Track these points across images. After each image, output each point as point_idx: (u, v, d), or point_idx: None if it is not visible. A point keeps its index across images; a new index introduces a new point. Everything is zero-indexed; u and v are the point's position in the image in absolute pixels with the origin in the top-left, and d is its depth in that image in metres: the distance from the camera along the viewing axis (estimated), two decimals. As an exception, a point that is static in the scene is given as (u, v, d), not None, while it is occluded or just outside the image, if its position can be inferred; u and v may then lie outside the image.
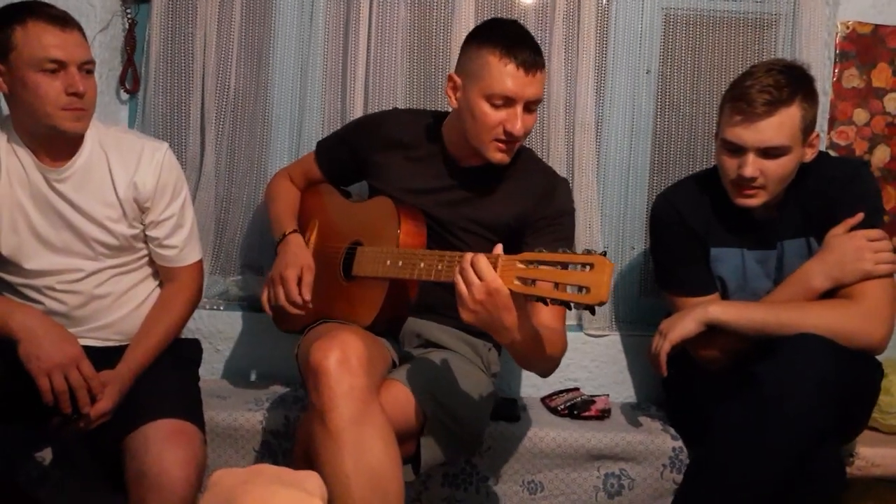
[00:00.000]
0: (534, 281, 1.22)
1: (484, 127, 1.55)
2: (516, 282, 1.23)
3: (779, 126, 1.51)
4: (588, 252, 1.16)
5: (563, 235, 1.62)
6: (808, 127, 1.56)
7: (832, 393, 1.40)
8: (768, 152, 1.53)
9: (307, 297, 1.62)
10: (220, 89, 2.08)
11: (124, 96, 2.13)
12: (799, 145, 1.55)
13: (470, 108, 1.56)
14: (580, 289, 1.16)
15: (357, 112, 2.04)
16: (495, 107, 1.54)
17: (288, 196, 1.86)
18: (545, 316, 1.50)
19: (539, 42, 1.53)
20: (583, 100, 2.04)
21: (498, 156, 1.58)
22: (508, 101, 1.53)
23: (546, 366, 1.53)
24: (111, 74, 2.09)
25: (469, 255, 1.27)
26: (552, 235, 1.61)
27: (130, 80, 2.11)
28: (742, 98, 1.53)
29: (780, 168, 1.54)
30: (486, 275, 1.24)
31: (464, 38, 1.63)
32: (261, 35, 2.10)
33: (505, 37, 1.54)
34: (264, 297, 1.69)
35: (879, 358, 1.59)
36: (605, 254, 1.16)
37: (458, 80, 1.59)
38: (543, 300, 1.20)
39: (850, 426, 1.59)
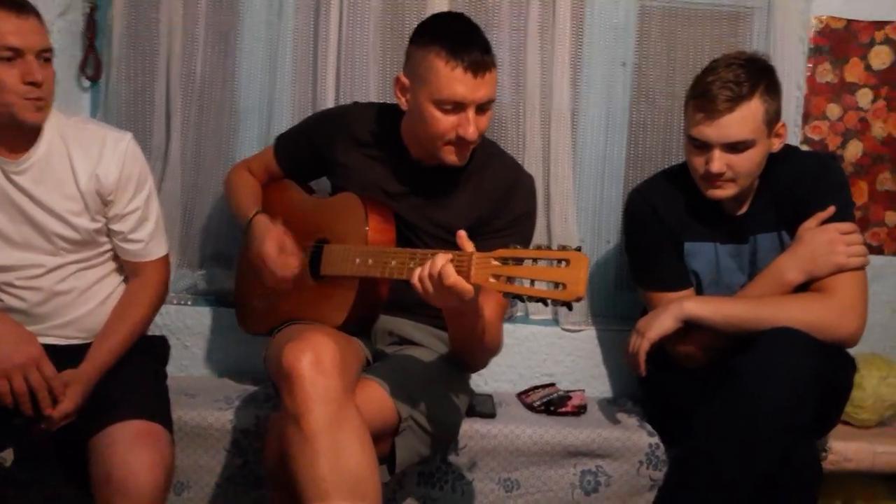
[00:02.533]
0: (509, 278, 1.20)
1: (435, 132, 1.50)
2: (492, 279, 1.21)
3: (741, 121, 1.52)
4: (563, 248, 1.16)
5: (519, 240, 1.54)
6: (772, 119, 1.56)
7: (811, 388, 1.42)
8: (734, 147, 1.54)
9: (296, 263, 1.57)
10: (186, 76, 2.01)
11: (85, 84, 2.05)
12: (764, 137, 1.56)
13: (420, 113, 1.51)
14: (556, 285, 1.15)
15: (328, 102, 1.99)
16: (445, 112, 1.48)
17: (249, 186, 1.80)
18: (486, 309, 1.45)
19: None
20: (558, 92, 2.01)
21: (452, 158, 1.53)
22: (459, 106, 1.47)
23: (479, 357, 1.55)
24: (71, 61, 2.01)
25: (439, 262, 1.25)
26: (508, 240, 1.52)
27: (92, 66, 2.02)
28: (704, 95, 1.54)
29: (747, 161, 1.55)
30: (454, 284, 1.24)
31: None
32: (228, 20, 2.03)
33: (450, 37, 1.47)
34: (265, 280, 1.63)
35: (851, 352, 1.61)
36: (580, 249, 1.15)
37: (406, 81, 1.53)
38: (520, 297, 1.19)
39: (825, 421, 1.60)
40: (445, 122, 1.49)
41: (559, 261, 1.14)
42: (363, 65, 2.00)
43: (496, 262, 1.21)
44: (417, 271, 1.28)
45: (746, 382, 1.43)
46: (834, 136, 2.06)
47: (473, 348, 1.51)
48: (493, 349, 1.57)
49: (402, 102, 1.56)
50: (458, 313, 1.34)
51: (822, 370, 1.43)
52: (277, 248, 1.57)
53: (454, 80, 1.45)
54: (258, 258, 1.59)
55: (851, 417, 1.88)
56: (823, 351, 1.46)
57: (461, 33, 1.49)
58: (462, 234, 1.29)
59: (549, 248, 1.16)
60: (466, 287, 1.24)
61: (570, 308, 1.18)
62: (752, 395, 1.42)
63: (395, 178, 1.64)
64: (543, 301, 1.16)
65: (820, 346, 1.46)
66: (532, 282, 1.17)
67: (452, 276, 1.23)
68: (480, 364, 1.62)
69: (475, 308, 1.37)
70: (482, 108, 1.50)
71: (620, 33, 2.05)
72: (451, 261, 1.26)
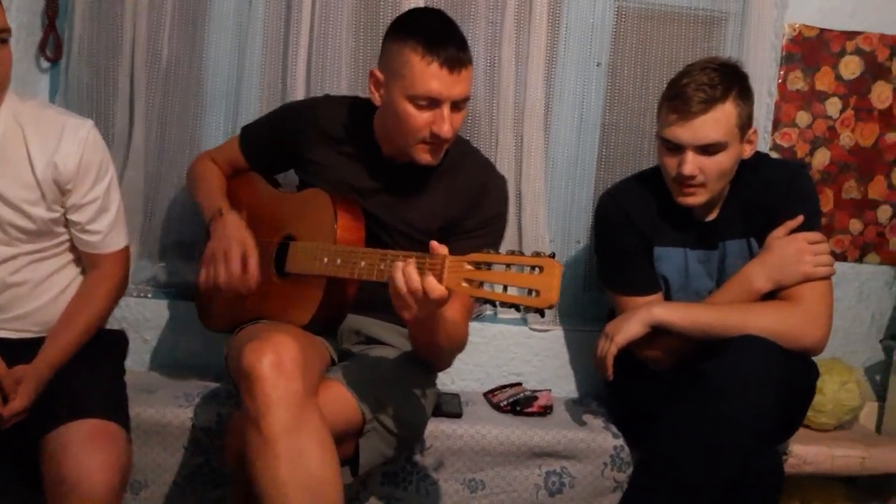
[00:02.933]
0: (481, 283, 1.19)
1: (408, 129, 1.47)
2: (464, 284, 1.20)
3: (714, 123, 1.53)
4: (537, 254, 1.15)
5: (490, 241, 1.57)
6: (744, 123, 1.58)
7: (776, 395, 1.43)
8: (706, 149, 1.55)
9: (254, 279, 1.51)
10: (152, 59, 1.94)
11: (45, 64, 1.97)
12: (737, 141, 1.57)
13: (393, 108, 1.48)
14: (529, 291, 1.15)
15: (299, 92, 1.94)
16: (420, 108, 1.45)
17: (214, 177, 1.75)
18: (451, 309, 1.42)
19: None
20: (532, 90, 2.00)
21: (425, 157, 1.51)
22: (434, 102, 1.45)
23: (442, 358, 1.53)
24: (30, 41, 1.92)
25: (411, 269, 1.23)
26: (478, 241, 1.54)
27: (52, 46, 1.95)
28: (678, 97, 1.55)
29: (718, 165, 1.56)
30: (428, 288, 1.22)
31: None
32: (197, 2, 1.97)
33: (426, 32, 1.44)
34: (202, 277, 1.56)
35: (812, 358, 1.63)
36: (553, 255, 1.14)
37: (380, 76, 1.50)
38: (493, 303, 1.18)
39: (789, 427, 1.63)
40: (419, 118, 1.46)
41: (533, 267, 1.13)
42: (335, 55, 1.96)
43: (469, 267, 1.19)
44: (402, 285, 1.25)
45: (712, 388, 1.45)
46: (803, 143, 2.08)
47: (435, 349, 1.49)
48: (455, 349, 1.55)
49: (376, 97, 1.52)
50: (420, 318, 1.31)
51: (787, 378, 1.45)
52: (241, 257, 1.51)
53: (430, 75, 1.43)
54: (221, 254, 1.53)
55: (811, 421, 1.91)
56: (788, 359, 1.47)
57: (438, 29, 1.47)
58: (434, 243, 1.26)
59: (522, 253, 1.15)
60: (443, 294, 1.22)
61: (542, 315, 1.17)
62: (717, 401, 1.44)
63: (366, 175, 1.61)
64: (516, 307, 1.15)
65: (785, 354, 1.48)
66: (505, 287, 1.15)
67: (439, 290, 1.21)
68: (443, 363, 1.60)
69: (440, 315, 1.35)
70: (457, 105, 1.47)
71: (596, 33, 2.04)
72: (423, 265, 1.23)
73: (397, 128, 1.50)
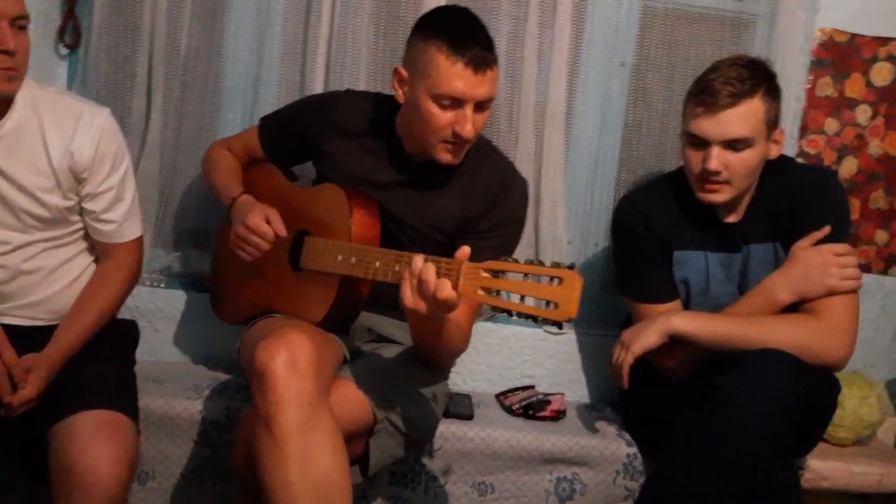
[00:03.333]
0: (498, 291, 1.16)
1: (431, 127, 1.45)
2: (480, 292, 1.17)
3: (742, 117, 1.51)
4: (557, 265, 1.12)
5: (504, 244, 1.54)
6: (771, 121, 1.55)
7: (794, 411, 1.40)
8: (732, 145, 1.52)
9: (283, 232, 1.51)
10: (170, 50, 1.92)
11: (63, 51, 1.96)
12: (763, 139, 1.54)
13: (417, 107, 1.46)
14: (548, 303, 1.12)
15: (317, 86, 1.92)
16: (443, 107, 1.43)
17: (230, 165, 1.73)
18: (457, 312, 1.37)
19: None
20: (554, 90, 1.96)
21: (446, 157, 1.49)
22: (457, 102, 1.42)
23: (442, 359, 1.51)
24: (49, 27, 1.91)
25: (431, 275, 1.20)
26: (491, 242, 1.52)
27: (70, 34, 1.94)
28: (706, 91, 1.52)
29: (744, 162, 1.53)
30: (442, 292, 1.19)
31: (434, 10, 1.53)
32: (217, -6, 1.96)
33: (453, 31, 1.42)
34: (243, 253, 1.54)
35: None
36: (573, 266, 1.11)
37: (404, 73, 1.48)
38: (510, 313, 1.15)
39: (807, 442, 1.59)
40: (442, 117, 1.44)
41: (552, 278, 1.10)
42: (354, 50, 1.94)
43: (486, 274, 1.16)
44: (409, 286, 1.22)
45: (728, 402, 1.41)
46: (830, 150, 2.04)
47: (435, 350, 1.47)
48: (455, 352, 1.54)
49: (399, 95, 1.51)
50: (424, 318, 1.28)
51: (806, 393, 1.41)
52: (265, 219, 1.51)
53: (454, 75, 1.40)
54: (243, 229, 1.51)
55: (829, 435, 1.86)
56: (808, 374, 1.44)
57: (464, 28, 1.44)
58: (462, 249, 1.23)
59: (542, 263, 1.12)
60: (455, 301, 1.19)
61: (560, 327, 1.14)
62: (732, 415, 1.40)
63: (385, 169, 1.59)
64: (534, 318, 1.12)
65: (805, 369, 1.44)
66: (522, 297, 1.12)
67: (447, 290, 1.19)
68: (441, 364, 1.57)
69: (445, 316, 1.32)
70: (480, 105, 1.45)
71: (621, 32, 2.00)
72: (440, 269, 1.21)
73: (420, 126, 1.48)
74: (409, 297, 1.23)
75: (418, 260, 1.23)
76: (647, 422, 1.75)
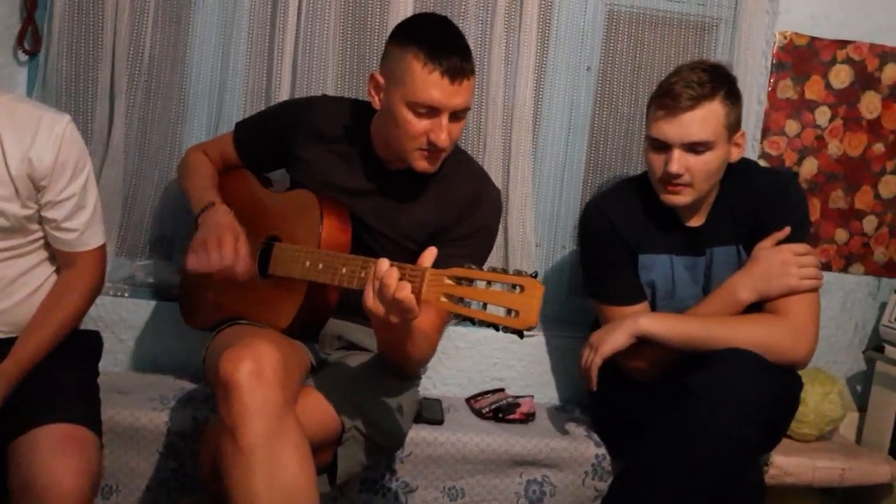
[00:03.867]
0: (461, 299, 1.16)
1: (406, 135, 1.45)
2: (443, 299, 1.17)
3: (702, 120, 1.53)
4: (518, 273, 1.12)
5: (475, 253, 1.54)
6: (732, 125, 1.57)
7: (760, 410, 1.42)
8: (693, 147, 1.54)
9: (247, 264, 1.47)
10: (134, 56, 1.90)
11: (23, 57, 1.92)
12: (724, 142, 1.56)
13: (392, 114, 1.45)
14: (509, 311, 1.12)
15: (283, 93, 1.91)
16: (419, 115, 1.43)
17: (206, 170, 1.72)
18: (424, 321, 1.39)
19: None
20: (521, 93, 1.97)
21: (422, 164, 1.48)
22: (433, 111, 1.42)
23: (408, 367, 1.50)
24: (8, 32, 1.88)
25: (392, 278, 1.20)
26: (462, 251, 1.51)
27: (30, 39, 1.90)
28: (667, 94, 1.55)
29: (705, 164, 1.55)
30: (401, 292, 1.20)
31: (402, 17, 1.53)
32: (181, -1, 1.94)
33: (430, 39, 1.42)
34: (191, 264, 1.49)
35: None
36: (536, 275, 1.12)
37: (380, 80, 1.48)
38: (471, 320, 1.15)
39: (772, 439, 1.61)
40: (417, 125, 1.44)
41: (513, 286, 1.11)
42: (321, 55, 1.93)
43: (449, 281, 1.17)
44: (371, 288, 1.23)
45: (697, 402, 1.43)
46: (791, 152, 2.08)
47: (402, 357, 1.46)
48: (422, 361, 1.53)
49: (375, 101, 1.50)
50: (388, 323, 1.27)
51: (772, 393, 1.44)
52: (234, 243, 1.47)
53: (430, 83, 1.40)
54: (215, 240, 1.48)
55: (793, 431, 1.90)
56: (774, 373, 1.46)
57: (442, 36, 1.44)
58: (429, 251, 1.23)
59: (504, 271, 1.12)
60: (413, 304, 1.19)
61: (520, 336, 1.14)
62: (701, 415, 1.42)
63: (359, 176, 1.58)
64: (494, 326, 1.13)
65: (770, 368, 1.46)
66: (484, 305, 1.13)
67: (405, 290, 1.19)
68: (408, 372, 1.56)
69: (413, 322, 1.32)
70: (456, 115, 1.45)
71: (587, 37, 2.02)
72: (404, 275, 1.21)
73: (395, 133, 1.47)
74: (370, 299, 1.23)
75: (383, 264, 1.23)
76: (615, 423, 1.76)
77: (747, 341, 1.48)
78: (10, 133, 1.43)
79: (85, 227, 1.52)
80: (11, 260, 1.47)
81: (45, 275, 1.52)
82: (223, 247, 1.46)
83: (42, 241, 1.51)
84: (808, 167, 2.09)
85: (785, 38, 2.04)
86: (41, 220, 1.49)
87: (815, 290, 1.57)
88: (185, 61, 1.96)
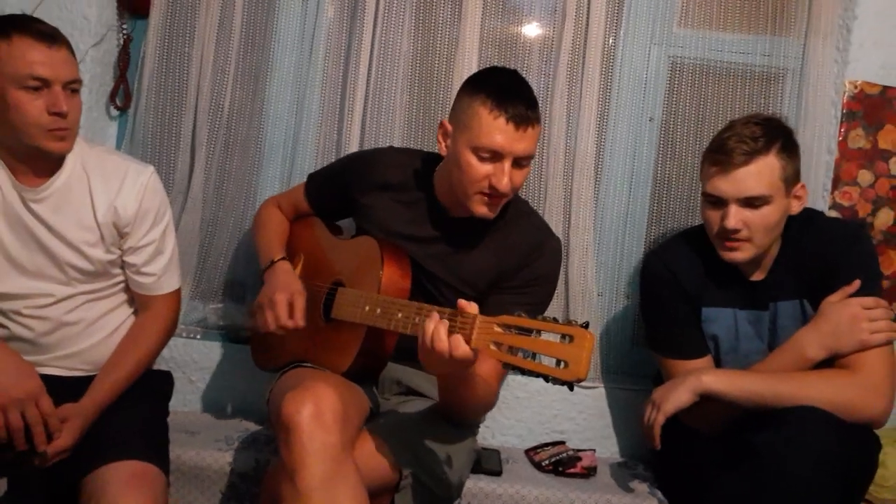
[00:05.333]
0: (511, 347, 1.16)
1: (468, 179, 1.48)
2: (492, 346, 1.18)
3: (757, 175, 1.51)
4: (569, 323, 1.11)
5: (532, 301, 1.54)
6: (789, 177, 1.54)
7: (833, 470, 1.35)
8: (749, 202, 1.52)
9: (301, 322, 1.53)
10: (214, 111, 2.02)
11: (114, 113, 2.07)
12: (782, 196, 1.53)
13: (457, 159, 1.49)
14: (558, 362, 1.11)
15: (353, 145, 1.99)
16: (482, 159, 1.46)
17: (277, 225, 1.80)
18: (483, 367, 1.40)
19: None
20: (583, 144, 1.99)
21: (482, 209, 1.51)
22: (496, 156, 1.46)
23: (467, 414, 1.51)
24: (102, 90, 2.03)
25: (440, 328, 1.24)
26: (520, 299, 1.52)
27: (122, 96, 2.05)
28: (720, 150, 1.53)
29: (763, 219, 1.52)
30: (454, 347, 1.22)
31: (466, 74, 1.58)
32: (259, 58, 2.05)
33: (498, 88, 1.47)
34: (252, 322, 1.60)
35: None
36: (587, 325, 1.11)
37: (449, 127, 1.53)
38: (520, 370, 1.15)
39: (848, 502, 1.52)
40: (480, 169, 1.47)
41: (563, 336, 1.10)
42: (389, 111, 2.01)
43: (499, 329, 1.17)
44: (428, 340, 1.26)
45: (767, 462, 1.37)
46: (864, 202, 2.01)
47: (462, 405, 1.47)
48: (483, 408, 1.54)
49: (442, 147, 1.55)
50: (448, 373, 1.30)
51: (846, 453, 1.37)
52: (287, 303, 1.54)
53: (495, 128, 1.44)
54: (267, 301, 1.56)
55: (872, 496, 1.78)
56: (847, 432, 1.39)
57: (510, 85, 1.49)
58: (461, 302, 1.26)
59: (556, 320, 1.12)
60: (470, 356, 1.21)
61: (570, 388, 1.12)
62: (772, 476, 1.36)
63: (421, 223, 1.62)
64: (544, 377, 1.12)
65: (843, 426, 1.39)
66: (534, 355, 1.12)
67: (462, 348, 1.21)
68: (468, 420, 1.57)
69: (470, 371, 1.33)
70: (519, 162, 1.48)
71: (649, 88, 2.03)
72: (454, 326, 1.23)
73: (458, 177, 1.51)
74: (420, 351, 1.26)
75: (430, 323, 1.25)
76: (679, 479, 1.70)
77: (816, 398, 1.42)
78: (99, 183, 1.53)
79: (163, 272, 1.60)
80: (93, 302, 1.56)
81: (123, 316, 1.61)
82: (276, 308, 1.53)
83: (122, 285, 1.60)
84: (884, 218, 2.01)
85: (855, 87, 1.99)
86: (123, 265, 1.58)
87: (888, 343, 1.50)
88: (262, 116, 2.06)
